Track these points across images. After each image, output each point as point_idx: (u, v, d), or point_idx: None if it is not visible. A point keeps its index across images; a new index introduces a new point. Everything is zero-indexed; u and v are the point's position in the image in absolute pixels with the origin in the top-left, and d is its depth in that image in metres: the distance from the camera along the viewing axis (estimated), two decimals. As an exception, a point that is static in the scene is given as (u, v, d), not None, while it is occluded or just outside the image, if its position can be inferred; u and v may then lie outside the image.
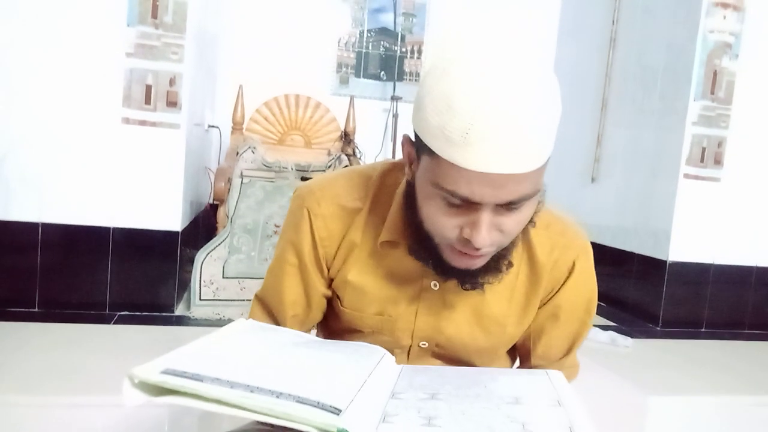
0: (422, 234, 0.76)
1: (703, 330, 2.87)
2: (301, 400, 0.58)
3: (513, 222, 0.71)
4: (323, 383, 0.64)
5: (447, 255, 0.75)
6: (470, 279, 0.78)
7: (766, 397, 2.11)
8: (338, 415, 0.57)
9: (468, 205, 0.68)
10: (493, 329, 0.88)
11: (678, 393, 2.07)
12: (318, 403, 0.58)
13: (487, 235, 0.69)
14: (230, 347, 0.72)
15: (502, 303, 0.87)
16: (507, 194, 0.67)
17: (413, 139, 0.75)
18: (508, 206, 0.68)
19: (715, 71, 2.75)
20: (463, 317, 0.87)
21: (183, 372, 0.61)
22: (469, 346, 0.89)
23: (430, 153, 0.68)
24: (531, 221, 0.76)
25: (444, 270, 0.78)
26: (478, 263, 0.75)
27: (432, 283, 0.86)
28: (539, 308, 0.90)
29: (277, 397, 0.58)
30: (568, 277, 0.88)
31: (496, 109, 0.63)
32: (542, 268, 0.86)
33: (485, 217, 0.68)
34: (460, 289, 0.83)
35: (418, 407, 0.64)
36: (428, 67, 0.70)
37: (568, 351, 0.95)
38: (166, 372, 0.60)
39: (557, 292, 0.89)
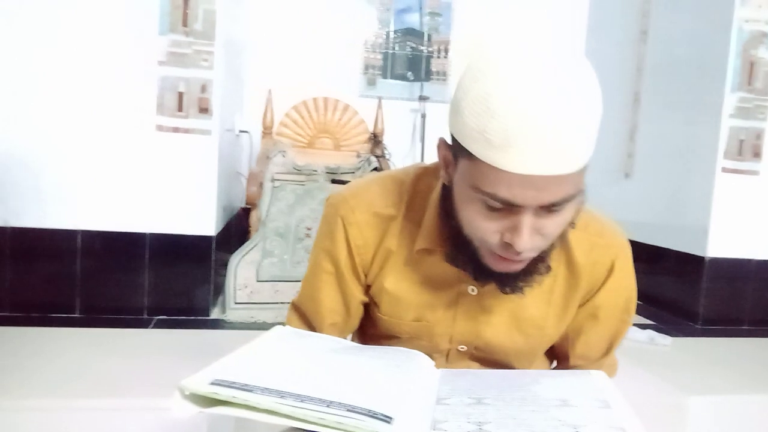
0: (460, 239, 0.75)
1: (744, 328, 2.79)
2: (352, 409, 0.58)
3: (554, 224, 0.69)
4: (371, 391, 0.64)
5: (486, 259, 0.74)
6: (510, 283, 0.77)
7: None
8: (390, 423, 0.57)
9: (508, 209, 0.67)
10: (532, 332, 0.87)
11: (719, 393, 2.02)
12: (369, 411, 0.58)
13: (529, 239, 0.67)
14: (274, 356, 0.73)
15: (540, 305, 0.86)
16: (549, 196, 0.65)
17: (449, 142, 0.74)
18: (550, 208, 0.67)
19: (752, 62, 2.68)
20: (501, 321, 0.86)
21: (232, 383, 0.61)
22: (509, 349, 0.89)
23: (469, 156, 0.67)
24: (571, 223, 0.74)
25: (483, 275, 0.77)
26: (518, 267, 0.74)
27: (470, 288, 0.85)
28: (578, 308, 0.88)
29: (328, 406, 0.58)
30: (607, 278, 0.86)
31: (537, 110, 0.61)
32: (581, 269, 0.85)
33: (526, 221, 0.66)
34: (498, 293, 0.82)
35: (467, 413, 0.64)
36: (464, 69, 0.69)
37: (608, 350, 0.93)
38: (215, 383, 0.61)
39: (596, 292, 0.87)
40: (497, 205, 0.67)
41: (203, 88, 2.31)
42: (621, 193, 3.37)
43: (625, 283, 0.88)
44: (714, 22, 2.77)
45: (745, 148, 2.72)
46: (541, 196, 0.65)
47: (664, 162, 3.10)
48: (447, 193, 0.77)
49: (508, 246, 0.69)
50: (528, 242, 0.68)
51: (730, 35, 2.66)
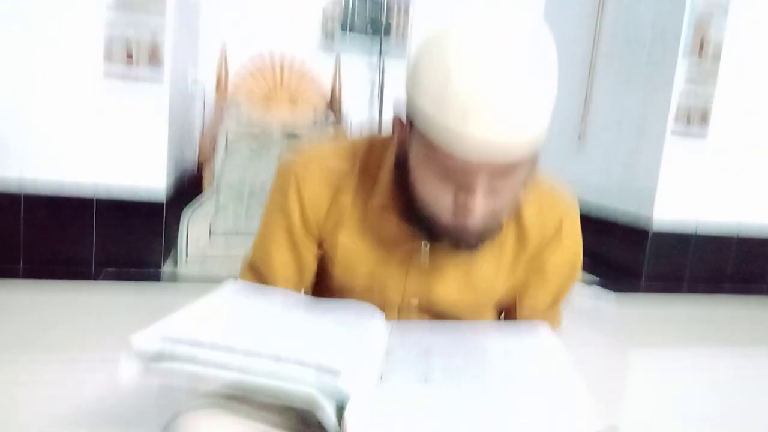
0: (414, 203, 0.76)
1: (684, 286, 2.92)
2: (301, 363, 0.59)
3: (507, 192, 0.71)
4: (320, 346, 0.64)
5: (439, 223, 0.75)
6: (463, 242, 0.78)
7: (745, 348, 2.16)
8: (338, 376, 0.58)
9: (463, 178, 0.68)
10: (482, 289, 0.89)
11: (660, 346, 2.12)
12: (318, 365, 0.59)
13: (482, 207, 0.69)
14: (225, 312, 0.72)
15: (491, 263, 0.88)
16: (504, 167, 0.67)
17: (404, 114, 0.74)
18: (504, 174, 0.68)
19: (704, 29, 2.74)
20: (453, 277, 0.88)
21: (181, 339, 0.61)
22: (459, 304, 0.90)
23: (425, 128, 0.67)
24: (523, 186, 0.76)
25: (436, 235, 0.78)
26: (471, 230, 0.75)
27: (422, 245, 0.86)
28: (526, 265, 0.91)
29: (278, 360, 0.59)
30: (555, 237, 0.89)
31: (497, 79, 0.62)
32: (530, 229, 0.87)
33: (480, 190, 0.68)
34: (450, 251, 0.83)
35: (414, 364, 0.65)
36: (424, 37, 0.69)
37: (553, 305, 0.96)
38: (164, 339, 0.61)
39: (544, 250, 0.90)
40: (452, 171, 0.68)
41: (154, 36, 2.22)
42: (574, 157, 3.43)
43: (572, 242, 0.90)
44: (669, -12, 2.80)
45: (693, 114, 2.80)
46: (497, 164, 0.66)
47: (617, 127, 3.16)
48: (401, 163, 0.77)
49: (461, 213, 0.70)
50: (480, 211, 0.69)
51: (685, 2, 2.70)
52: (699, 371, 1.92)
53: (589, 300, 2.52)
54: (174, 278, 2.31)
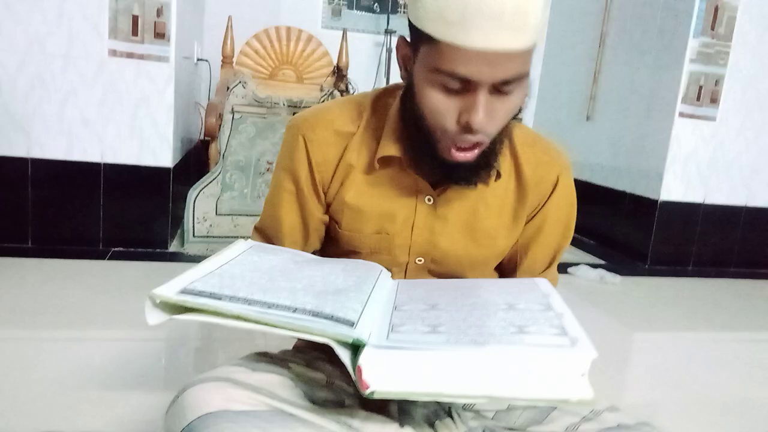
0: (420, 134, 0.80)
1: (690, 268, 2.92)
2: (316, 314, 0.62)
3: (505, 107, 0.75)
4: (333, 299, 0.68)
5: (445, 153, 0.79)
6: (465, 175, 0.83)
7: (750, 334, 2.17)
8: (352, 326, 0.61)
9: (465, 90, 0.72)
10: (484, 242, 0.93)
11: (663, 330, 2.13)
12: (332, 316, 0.62)
13: (484, 116, 0.73)
14: (239, 267, 0.75)
15: (492, 216, 0.92)
16: (502, 72, 0.70)
17: (408, 39, 0.78)
18: (502, 89, 0.72)
19: (717, 6, 2.69)
20: (456, 231, 0.91)
21: (201, 291, 0.64)
22: (463, 259, 0.94)
23: (429, 40, 0.72)
24: (517, 116, 0.81)
25: (441, 169, 0.82)
26: (473, 155, 0.79)
27: (426, 198, 0.89)
28: (526, 224, 0.95)
29: (294, 311, 0.62)
30: (552, 193, 0.93)
31: None
32: (528, 183, 0.91)
33: (482, 98, 0.72)
34: (454, 204, 0.88)
35: (422, 317, 0.68)
36: None
37: (550, 264, 1.01)
38: (184, 291, 0.63)
39: (542, 206, 0.94)
40: (455, 85, 0.72)
41: (159, 12, 2.20)
42: (582, 135, 3.41)
43: (567, 198, 0.95)
44: (683, -36, 2.75)
45: (704, 94, 2.77)
46: (496, 73, 0.70)
47: (625, 106, 3.13)
48: (407, 90, 0.82)
49: (464, 129, 0.74)
50: (483, 120, 0.73)
51: (697, -22, 2.66)
52: (703, 354, 1.93)
53: (594, 283, 2.52)
54: (181, 258, 2.32)
